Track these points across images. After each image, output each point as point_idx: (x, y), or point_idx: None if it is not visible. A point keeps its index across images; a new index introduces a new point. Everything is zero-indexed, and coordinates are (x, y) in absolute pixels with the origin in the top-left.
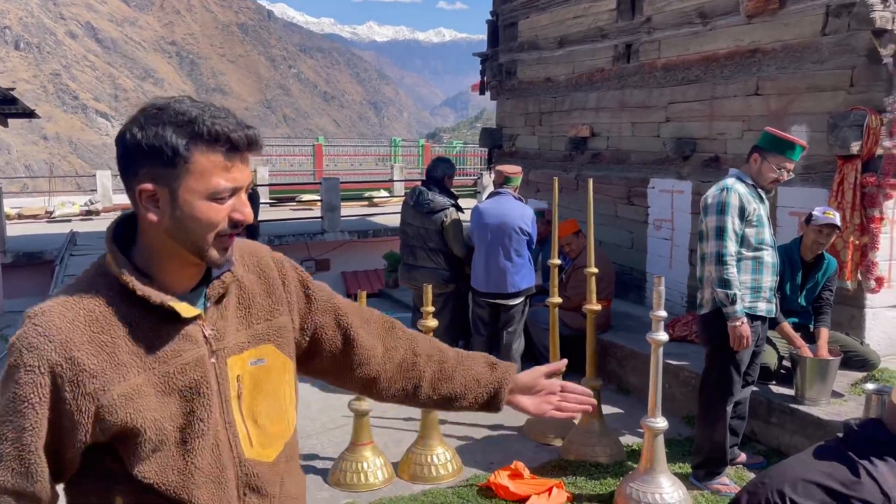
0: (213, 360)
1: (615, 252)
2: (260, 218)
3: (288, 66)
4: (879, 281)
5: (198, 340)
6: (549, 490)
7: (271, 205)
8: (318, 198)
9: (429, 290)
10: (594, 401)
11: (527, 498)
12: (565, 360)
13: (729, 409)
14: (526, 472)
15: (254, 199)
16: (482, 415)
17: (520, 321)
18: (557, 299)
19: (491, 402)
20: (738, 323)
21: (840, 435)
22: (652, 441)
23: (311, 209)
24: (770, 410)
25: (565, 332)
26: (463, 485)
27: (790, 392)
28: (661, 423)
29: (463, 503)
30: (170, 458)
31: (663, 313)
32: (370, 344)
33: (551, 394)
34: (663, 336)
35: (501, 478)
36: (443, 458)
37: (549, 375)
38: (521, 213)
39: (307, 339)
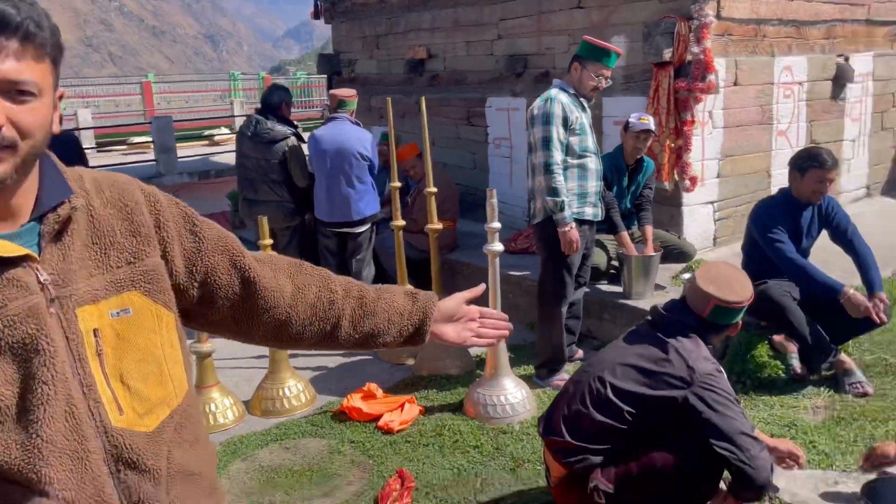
0: (52, 309)
1: (458, 173)
2: (88, 165)
3: None
4: (693, 180)
5: (29, 287)
6: (402, 406)
7: (98, 150)
8: (151, 139)
9: (264, 223)
10: (511, 325)
11: (380, 416)
12: (483, 286)
13: (564, 310)
14: (379, 392)
15: (75, 144)
16: None
17: (368, 248)
18: (401, 222)
19: (415, 335)
20: (567, 228)
21: (649, 318)
22: (495, 348)
23: (144, 152)
24: (602, 308)
25: (413, 254)
26: (317, 412)
27: (619, 290)
28: None
29: (317, 430)
30: (11, 431)
31: (497, 225)
32: (274, 284)
33: (472, 320)
34: (498, 247)
35: (354, 400)
36: (295, 390)
37: (469, 301)
38: (358, 137)
39: (196, 284)
